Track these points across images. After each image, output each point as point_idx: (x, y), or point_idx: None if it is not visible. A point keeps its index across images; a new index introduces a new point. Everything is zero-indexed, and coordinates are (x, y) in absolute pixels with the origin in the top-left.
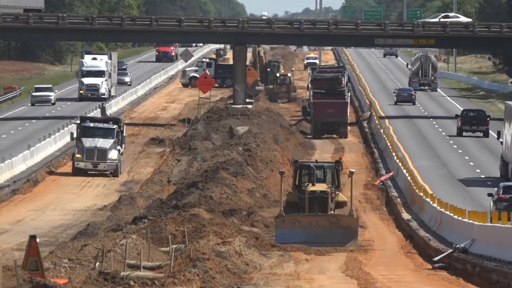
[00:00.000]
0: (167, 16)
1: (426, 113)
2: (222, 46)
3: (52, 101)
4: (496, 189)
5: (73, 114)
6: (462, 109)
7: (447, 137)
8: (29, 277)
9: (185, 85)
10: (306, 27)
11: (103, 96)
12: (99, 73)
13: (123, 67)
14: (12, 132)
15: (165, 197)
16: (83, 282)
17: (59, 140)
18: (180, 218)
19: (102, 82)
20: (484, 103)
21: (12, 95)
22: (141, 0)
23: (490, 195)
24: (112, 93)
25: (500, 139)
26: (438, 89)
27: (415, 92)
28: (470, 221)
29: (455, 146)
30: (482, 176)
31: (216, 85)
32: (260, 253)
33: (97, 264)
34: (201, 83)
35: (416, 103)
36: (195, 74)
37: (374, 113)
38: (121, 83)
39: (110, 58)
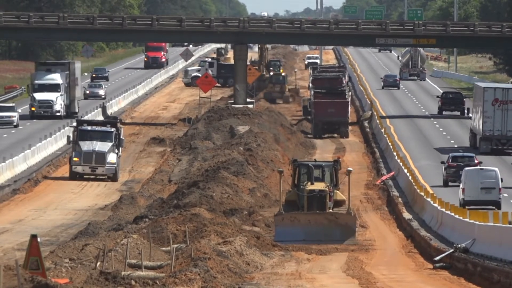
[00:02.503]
0: (168, 16)
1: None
2: (223, 45)
3: (15, 123)
4: (447, 158)
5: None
6: (442, 91)
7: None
8: (30, 277)
9: (187, 85)
10: (307, 26)
11: (57, 114)
12: (53, 87)
13: (104, 74)
14: (13, 131)
15: (166, 197)
16: (84, 282)
17: (60, 139)
18: (181, 218)
19: (57, 98)
20: None
21: (13, 94)
22: (142, 0)
23: (442, 163)
24: (74, 110)
25: (470, 114)
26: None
27: (399, 78)
28: (471, 221)
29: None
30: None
31: (219, 84)
32: (261, 252)
33: (98, 263)
34: (202, 82)
35: (402, 87)
36: (198, 74)
37: (375, 113)
38: (94, 96)
39: (68, 69)
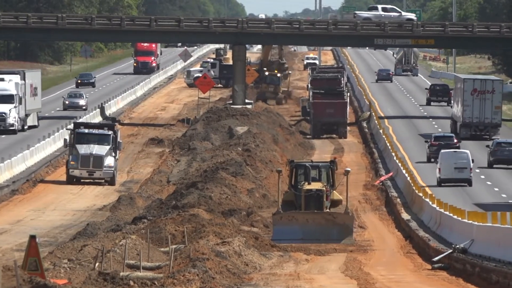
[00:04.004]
0: (167, 16)
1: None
2: (222, 46)
3: None
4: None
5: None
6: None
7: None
8: (29, 277)
9: (190, 86)
10: (305, 27)
11: (11, 128)
12: (6, 98)
13: (90, 80)
14: None
15: (165, 197)
16: (82, 283)
17: (58, 140)
18: (180, 218)
19: (10, 110)
20: None
21: None
22: (141, 0)
23: (426, 141)
24: (31, 123)
25: (451, 103)
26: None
27: (392, 72)
28: (470, 222)
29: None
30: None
31: (220, 85)
32: (259, 253)
33: (97, 264)
34: (201, 83)
35: (395, 81)
36: (200, 75)
37: (373, 113)
38: (74, 107)
39: (23, 78)
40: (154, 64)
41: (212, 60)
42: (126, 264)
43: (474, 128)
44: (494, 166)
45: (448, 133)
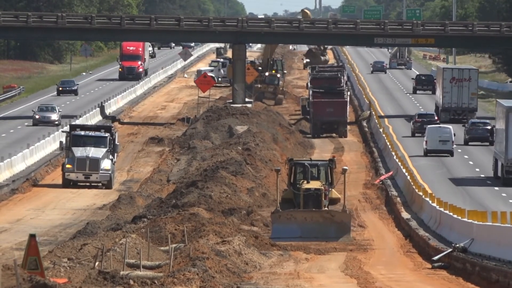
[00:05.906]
0: (167, 16)
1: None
2: (222, 45)
3: None
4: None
5: None
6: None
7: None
8: (29, 276)
9: None
10: (305, 26)
11: None
12: None
13: (73, 88)
14: (12, 131)
15: (165, 196)
16: (82, 282)
17: (58, 139)
18: (180, 217)
19: None
20: (483, 102)
21: (12, 94)
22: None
23: (411, 119)
24: None
25: (436, 94)
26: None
27: (386, 64)
28: (470, 221)
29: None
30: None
31: (229, 84)
32: (259, 252)
33: (97, 263)
34: (201, 82)
35: (388, 73)
36: (211, 74)
37: (373, 113)
38: (45, 122)
39: None
40: (141, 70)
41: (222, 60)
42: (126, 263)
43: (452, 112)
44: (470, 143)
45: (430, 112)
